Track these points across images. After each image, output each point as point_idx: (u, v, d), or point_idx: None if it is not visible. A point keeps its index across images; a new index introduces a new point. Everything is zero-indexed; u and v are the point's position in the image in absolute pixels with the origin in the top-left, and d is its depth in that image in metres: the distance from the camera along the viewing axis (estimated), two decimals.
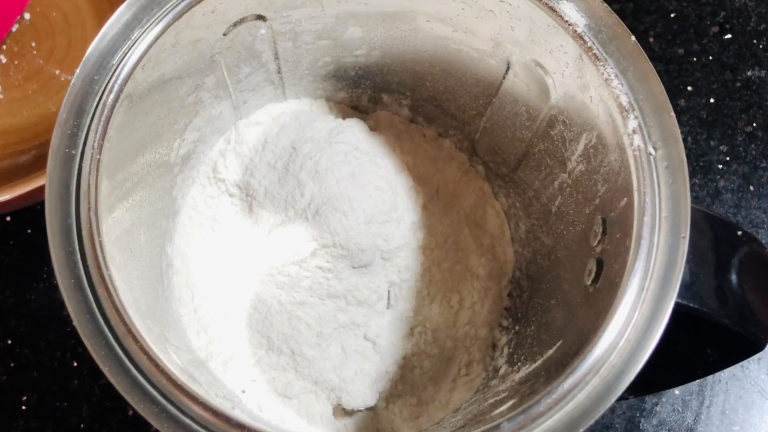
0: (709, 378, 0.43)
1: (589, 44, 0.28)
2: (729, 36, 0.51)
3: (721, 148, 0.48)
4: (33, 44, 0.48)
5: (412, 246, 0.39)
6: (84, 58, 0.28)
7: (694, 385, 0.43)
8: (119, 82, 0.27)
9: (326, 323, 0.36)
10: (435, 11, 0.33)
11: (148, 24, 0.28)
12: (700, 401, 0.43)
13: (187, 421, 0.24)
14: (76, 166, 0.26)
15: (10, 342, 0.42)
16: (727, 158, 0.48)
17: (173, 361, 0.27)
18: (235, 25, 0.32)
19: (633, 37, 0.28)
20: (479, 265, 0.40)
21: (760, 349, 0.30)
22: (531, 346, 0.34)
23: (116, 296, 0.25)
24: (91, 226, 0.25)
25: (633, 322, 0.25)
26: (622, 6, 0.52)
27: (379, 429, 0.37)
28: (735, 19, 0.52)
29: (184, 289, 0.37)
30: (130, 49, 0.28)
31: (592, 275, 0.29)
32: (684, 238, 0.26)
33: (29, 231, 0.44)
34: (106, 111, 0.27)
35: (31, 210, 0.44)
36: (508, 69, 0.34)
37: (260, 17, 0.33)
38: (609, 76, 0.28)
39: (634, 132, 0.27)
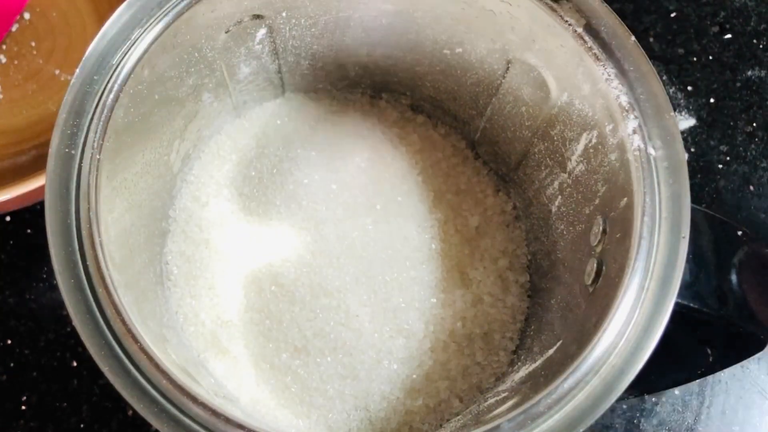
0: (709, 378, 0.43)
1: (589, 44, 0.28)
2: (729, 36, 0.51)
3: (721, 148, 0.48)
4: (33, 44, 0.48)
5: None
6: (84, 58, 0.28)
7: (694, 385, 0.43)
8: (119, 82, 0.27)
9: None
10: (435, 11, 0.33)
11: (148, 24, 0.28)
12: (700, 401, 0.43)
13: (187, 421, 0.24)
14: (76, 166, 0.26)
15: (10, 342, 0.42)
16: (727, 158, 0.48)
17: (173, 361, 0.27)
18: (235, 24, 0.32)
19: (633, 37, 0.28)
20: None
21: (760, 349, 0.30)
22: (531, 346, 0.34)
23: (116, 296, 0.25)
24: (91, 226, 0.25)
25: (633, 322, 0.25)
26: (622, 6, 0.52)
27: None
28: (735, 19, 0.52)
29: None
30: (130, 49, 0.28)
31: (592, 275, 0.29)
32: (684, 238, 0.26)
33: (29, 231, 0.44)
34: (106, 111, 0.27)
35: (31, 210, 0.44)
36: (508, 69, 0.34)
37: (260, 17, 0.33)
38: (609, 76, 0.28)
39: (634, 132, 0.27)
